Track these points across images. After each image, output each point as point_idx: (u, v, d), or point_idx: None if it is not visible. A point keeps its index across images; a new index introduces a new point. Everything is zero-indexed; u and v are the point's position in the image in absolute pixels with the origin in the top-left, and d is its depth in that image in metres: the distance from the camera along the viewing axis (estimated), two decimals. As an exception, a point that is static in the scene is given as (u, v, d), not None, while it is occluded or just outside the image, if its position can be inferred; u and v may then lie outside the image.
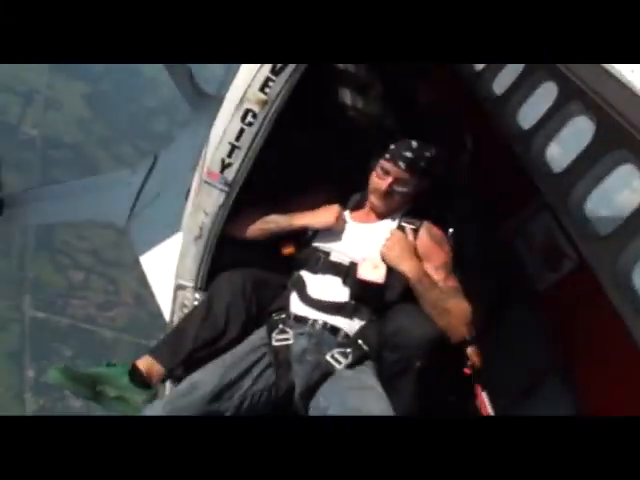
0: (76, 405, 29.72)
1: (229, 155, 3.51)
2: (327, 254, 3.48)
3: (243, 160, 3.52)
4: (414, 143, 3.40)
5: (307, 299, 3.38)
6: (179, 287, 4.01)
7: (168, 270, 4.32)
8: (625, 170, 4.82)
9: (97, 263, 36.71)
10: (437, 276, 3.36)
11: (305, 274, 3.48)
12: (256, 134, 3.44)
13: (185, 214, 4.20)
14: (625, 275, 4.27)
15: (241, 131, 3.44)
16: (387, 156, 3.44)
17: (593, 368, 4.32)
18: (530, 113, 5.66)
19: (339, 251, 3.48)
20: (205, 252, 3.85)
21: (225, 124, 3.47)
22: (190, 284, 4.00)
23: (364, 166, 3.68)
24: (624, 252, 4.28)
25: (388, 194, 3.48)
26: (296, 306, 3.40)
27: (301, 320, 3.33)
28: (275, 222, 3.65)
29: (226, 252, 3.95)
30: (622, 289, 4.19)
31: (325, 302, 3.34)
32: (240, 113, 3.40)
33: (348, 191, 3.83)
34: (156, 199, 5.39)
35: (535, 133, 5.39)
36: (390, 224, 3.56)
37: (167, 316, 4.26)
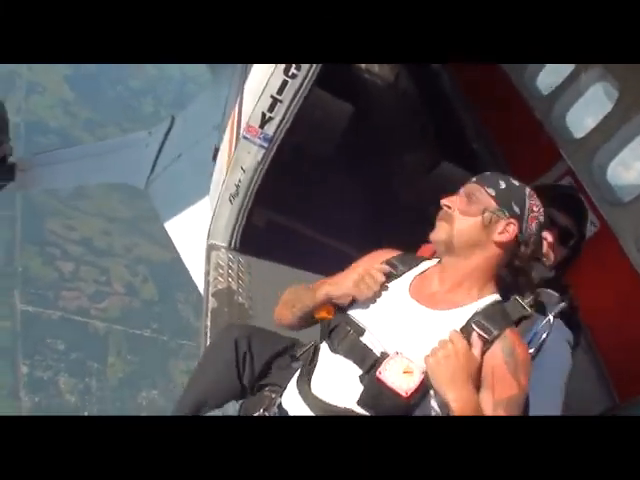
0: (71, 400, 29.64)
1: (270, 109, 3.44)
2: (360, 331, 2.40)
3: (285, 114, 3.46)
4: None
5: (303, 388, 2.46)
6: (212, 247, 4.00)
7: (194, 230, 4.29)
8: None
9: (87, 253, 36.44)
10: (489, 411, 2.28)
11: (323, 349, 2.49)
12: (299, 87, 3.37)
13: (215, 174, 4.18)
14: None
15: (284, 83, 3.37)
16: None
17: (613, 332, 4.35)
18: (549, 77, 5.65)
19: (376, 332, 2.39)
20: (241, 211, 3.82)
21: (266, 76, 3.40)
22: (224, 244, 3.98)
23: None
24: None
25: (448, 218, 2.36)
26: (289, 392, 2.55)
27: (284, 413, 2.53)
28: (300, 302, 2.69)
29: (261, 213, 3.92)
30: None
31: (321, 402, 2.40)
32: (283, 65, 3.33)
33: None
34: (177, 160, 5.32)
35: (556, 98, 5.38)
36: (456, 318, 2.36)
37: (196, 277, 4.23)
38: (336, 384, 2.38)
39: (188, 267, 4.41)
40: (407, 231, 4.86)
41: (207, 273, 3.88)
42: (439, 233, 2.36)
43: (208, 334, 3.78)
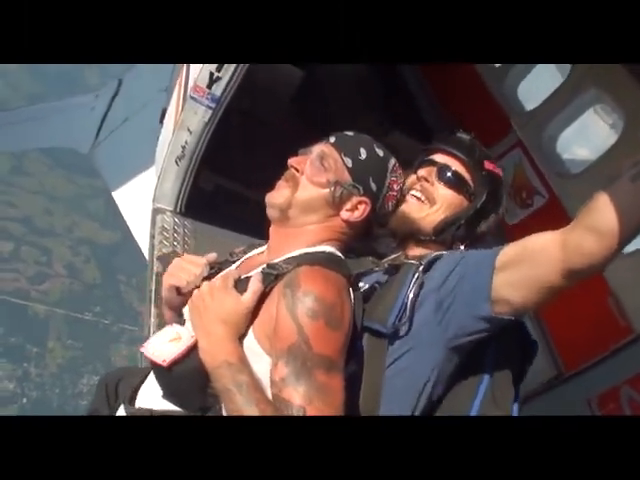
0: (9, 387, 29.19)
1: (218, 69, 3.51)
2: (181, 322, 2.05)
3: (233, 74, 3.53)
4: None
5: (127, 398, 2.11)
6: (157, 211, 4.08)
7: (140, 195, 4.36)
8: (597, 110, 5.07)
9: (28, 232, 35.84)
10: (272, 370, 1.80)
11: None
12: (248, 47, 3.43)
13: (162, 136, 4.25)
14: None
15: (233, 42, 3.43)
16: None
17: (559, 304, 4.54)
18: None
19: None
20: (187, 173, 3.89)
21: (215, 35, 3.46)
22: (169, 207, 4.06)
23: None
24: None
25: (292, 182, 2.09)
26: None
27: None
28: None
29: (208, 176, 3.99)
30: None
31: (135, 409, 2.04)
32: (233, 23, 3.39)
33: None
34: (123, 124, 5.37)
35: (508, 69, 5.54)
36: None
37: (141, 242, 4.30)
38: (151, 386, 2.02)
39: (134, 233, 4.49)
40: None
41: (152, 236, 3.96)
42: (277, 196, 2.08)
43: (152, 298, 3.86)
